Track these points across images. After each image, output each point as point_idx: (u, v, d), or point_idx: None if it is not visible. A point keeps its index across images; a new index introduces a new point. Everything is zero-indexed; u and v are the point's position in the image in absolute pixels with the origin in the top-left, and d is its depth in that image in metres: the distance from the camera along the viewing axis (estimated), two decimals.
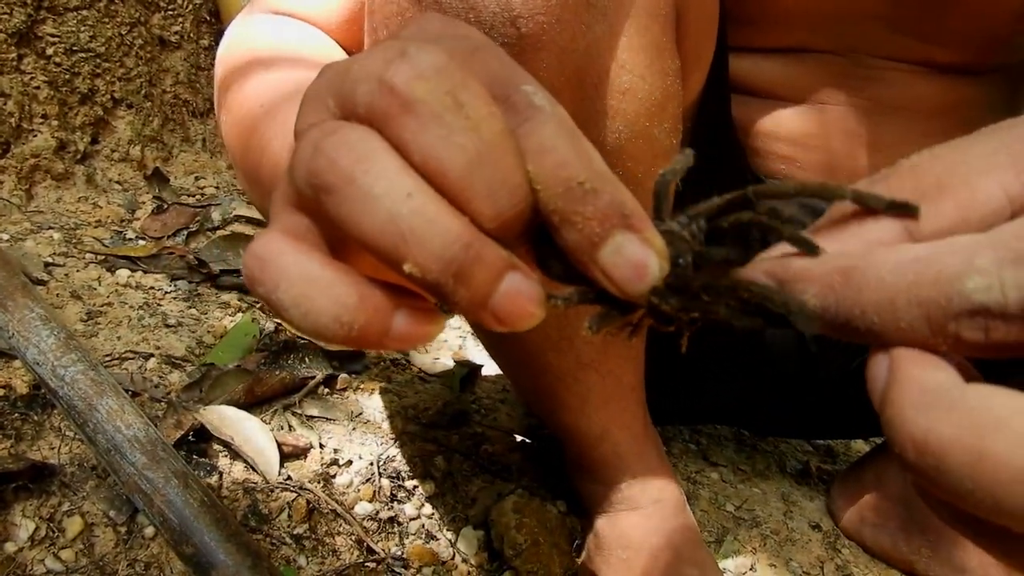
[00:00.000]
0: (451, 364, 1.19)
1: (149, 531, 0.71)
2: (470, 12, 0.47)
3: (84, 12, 1.32)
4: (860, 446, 1.26)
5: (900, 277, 0.23)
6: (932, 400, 0.22)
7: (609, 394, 0.72)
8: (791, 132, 0.81)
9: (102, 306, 1.02)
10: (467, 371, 1.13)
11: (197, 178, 1.52)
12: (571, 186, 0.26)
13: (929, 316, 0.22)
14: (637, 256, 0.26)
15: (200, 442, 0.82)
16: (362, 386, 1.02)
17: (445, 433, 0.98)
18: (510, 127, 0.27)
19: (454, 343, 1.30)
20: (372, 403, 0.99)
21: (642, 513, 0.78)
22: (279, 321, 1.11)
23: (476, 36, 0.30)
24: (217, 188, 1.51)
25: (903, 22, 0.74)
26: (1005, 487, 0.19)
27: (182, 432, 0.80)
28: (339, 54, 0.69)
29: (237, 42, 0.70)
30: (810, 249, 0.26)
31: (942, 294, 0.22)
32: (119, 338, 0.95)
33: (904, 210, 0.25)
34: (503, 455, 0.97)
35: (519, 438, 1.01)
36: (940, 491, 0.21)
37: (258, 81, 0.65)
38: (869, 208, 0.26)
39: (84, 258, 1.13)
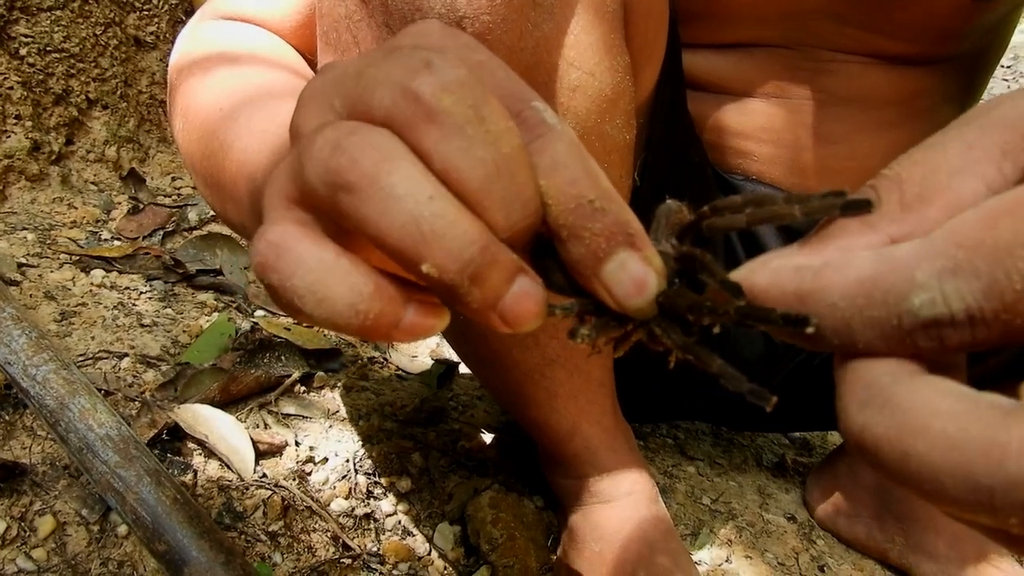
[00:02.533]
0: (429, 363, 1.19)
1: (122, 529, 0.71)
2: (416, 13, 0.47)
3: (58, 12, 1.31)
4: (836, 438, 1.27)
5: (850, 302, 0.23)
6: (869, 397, 0.23)
7: (577, 389, 0.72)
8: (746, 127, 0.82)
9: (76, 306, 1.01)
10: (445, 368, 1.14)
11: (174, 178, 1.51)
12: (581, 203, 0.27)
13: (884, 335, 0.23)
14: (638, 273, 0.28)
15: (174, 441, 0.82)
16: (339, 384, 1.02)
17: (422, 430, 0.98)
18: (524, 143, 0.28)
19: (431, 341, 1.30)
20: (349, 401, 0.99)
21: (615, 506, 0.78)
22: (255, 320, 1.11)
23: (477, 47, 0.30)
24: (194, 188, 1.51)
25: (851, 15, 0.75)
26: (929, 483, 0.21)
27: (156, 431, 0.80)
28: (294, 57, 0.69)
29: (190, 48, 0.70)
30: (735, 294, 0.26)
31: (892, 315, 0.22)
32: (93, 338, 0.95)
33: (858, 208, 0.25)
34: (480, 451, 0.97)
35: (496, 434, 1.01)
36: (892, 482, 0.22)
37: (214, 85, 0.64)
38: (828, 217, 0.26)
39: (59, 259, 1.13)
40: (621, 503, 0.78)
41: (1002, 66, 4.02)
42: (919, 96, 0.81)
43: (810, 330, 0.24)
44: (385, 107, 0.27)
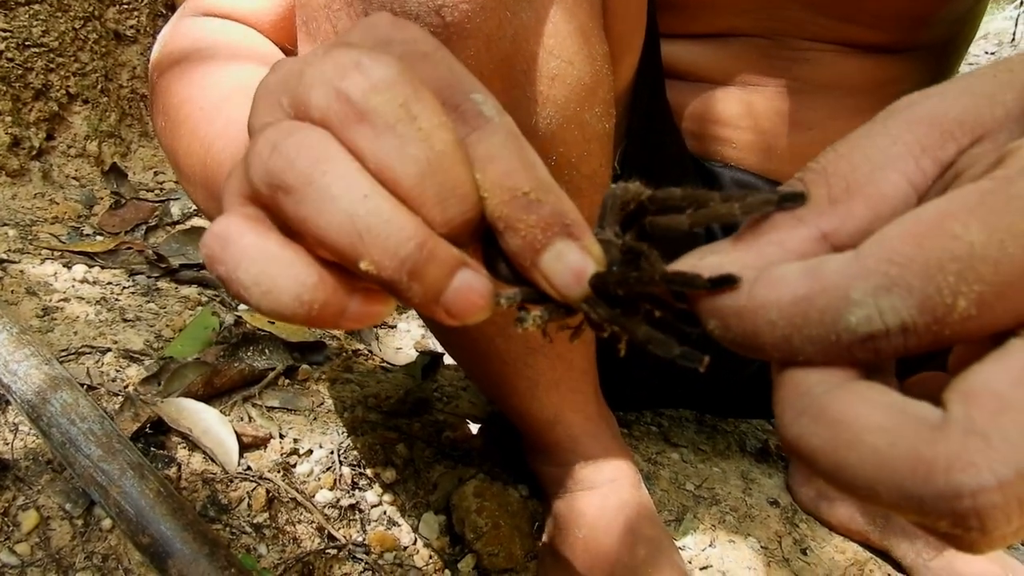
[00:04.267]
0: (414, 354, 1.19)
1: (106, 523, 0.71)
2: (395, 2, 0.47)
3: (36, 7, 1.30)
4: None
5: (788, 321, 0.24)
6: (803, 407, 0.24)
7: (559, 378, 0.73)
8: (724, 114, 0.82)
9: (58, 302, 1.01)
10: (429, 359, 1.14)
11: (156, 173, 1.51)
12: (516, 195, 0.28)
13: (824, 350, 0.24)
14: (576, 263, 0.28)
15: (158, 434, 0.82)
16: (323, 377, 1.02)
17: (407, 421, 0.98)
18: (460, 136, 0.28)
19: (416, 333, 1.31)
20: (333, 393, 0.99)
21: (598, 493, 0.79)
22: (239, 314, 1.11)
23: (424, 40, 0.30)
24: (176, 183, 1.50)
25: (825, 4, 0.76)
26: (863, 491, 0.22)
27: (139, 425, 0.80)
28: (274, 52, 0.69)
29: (171, 44, 0.70)
30: (676, 286, 0.27)
31: (830, 332, 0.23)
32: (76, 333, 0.95)
33: (792, 202, 0.26)
34: (465, 441, 0.98)
35: (481, 424, 1.02)
36: (825, 482, 0.23)
37: (195, 83, 0.64)
38: (764, 213, 0.27)
39: (40, 255, 1.12)
40: (604, 490, 0.79)
41: (986, 52, 4.04)
42: (892, 83, 0.82)
43: (735, 286, 0.25)
44: (321, 108, 0.28)
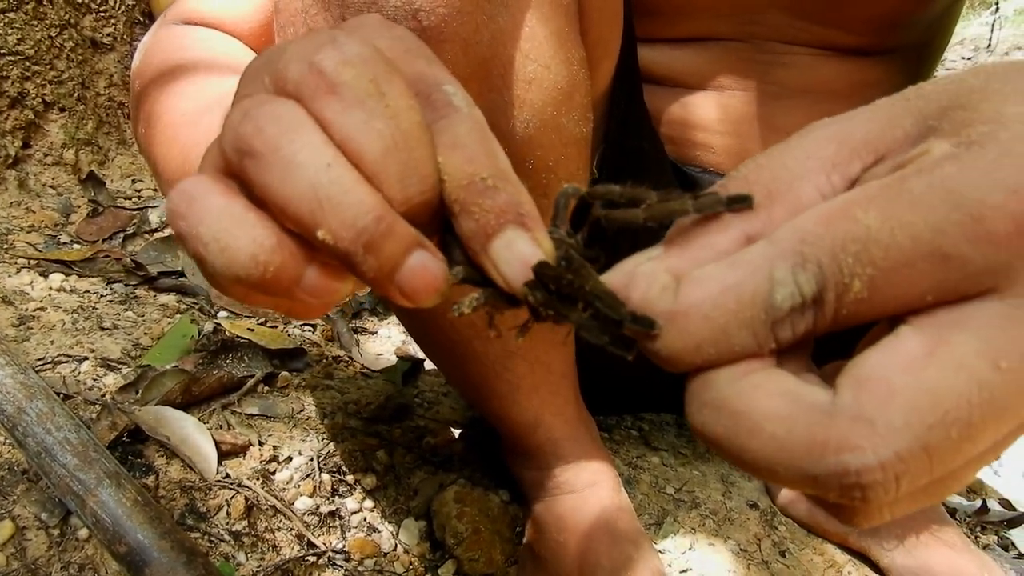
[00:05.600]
0: (395, 360, 1.19)
1: (83, 533, 0.71)
2: (372, 5, 0.47)
3: (11, 15, 1.30)
4: None
5: (722, 309, 0.25)
6: (707, 399, 0.26)
7: (538, 381, 0.73)
8: (702, 119, 0.83)
9: (35, 311, 1.00)
10: (410, 365, 1.14)
11: (134, 181, 1.50)
12: (474, 180, 0.28)
13: (755, 332, 0.25)
14: (525, 252, 0.28)
15: (136, 443, 0.81)
16: (303, 384, 1.02)
17: (387, 427, 0.98)
18: (427, 122, 0.29)
19: (397, 339, 1.31)
20: (313, 400, 0.99)
21: (578, 496, 0.79)
22: (218, 322, 1.10)
23: (410, 38, 0.31)
24: (155, 191, 1.49)
25: (802, 8, 0.77)
26: (763, 472, 0.24)
27: (116, 433, 0.80)
28: None
29: (152, 53, 0.70)
30: (613, 306, 0.27)
31: (760, 311, 0.25)
32: (52, 342, 0.94)
33: (740, 203, 0.27)
34: (445, 446, 0.98)
35: (462, 429, 1.02)
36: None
37: (177, 92, 0.65)
38: (713, 213, 0.28)
39: (16, 263, 1.12)
40: (584, 493, 0.79)
41: (963, 58, 4.08)
42: (868, 87, 0.83)
43: (655, 332, 0.26)
44: (295, 80, 0.28)
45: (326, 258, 0.29)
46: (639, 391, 1.10)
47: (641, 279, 0.27)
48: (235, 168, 0.29)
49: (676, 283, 0.26)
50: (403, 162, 0.28)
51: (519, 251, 0.28)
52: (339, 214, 0.27)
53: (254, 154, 0.27)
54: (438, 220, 0.30)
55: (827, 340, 0.26)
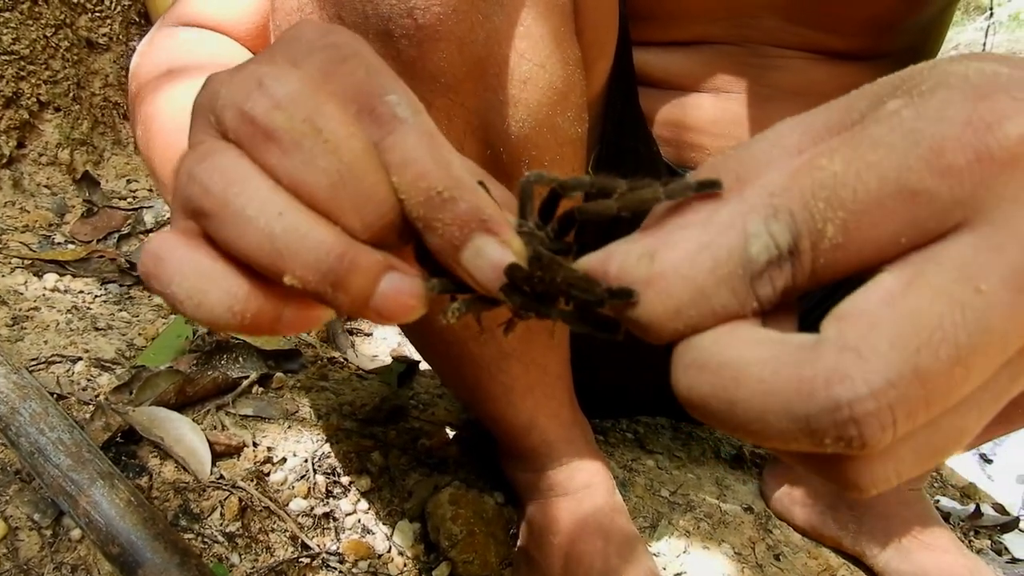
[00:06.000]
0: (390, 362, 1.19)
1: (75, 533, 0.70)
2: (368, 4, 0.47)
3: (6, 14, 1.29)
4: None
5: (700, 267, 0.25)
6: (691, 360, 0.25)
7: (533, 383, 0.73)
8: (697, 121, 0.83)
9: (28, 311, 1.00)
10: (405, 367, 1.14)
11: (129, 181, 1.50)
12: (431, 195, 0.28)
13: (734, 289, 0.25)
14: (496, 257, 0.28)
15: (129, 443, 0.81)
16: (298, 385, 1.02)
17: (382, 429, 0.98)
18: (373, 141, 0.28)
19: (393, 340, 1.30)
20: (308, 401, 0.99)
21: (572, 498, 0.79)
22: None
23: (347, 44, 0.31)
24: (150, 191, 1.49)
25: (796, 12, 0.77)
26: (756, 424, 0.23)
27: (110, 434, 0.79)
28: None
29: (150, 55, 0.70)
30: (588, 287, 0.27)
31: (737, 266, 0.25)
32: (46, 342, 0.94)
33: (710, 187, 0.27)
34: (440, 448, 0.98)
35: (456, 431, 1.02)
36: (722, 430, 0.25)
37: (172, 94, 0.65)
38: (685, 200, 0.28)
39: (10, 263, 1.11)
40: (578, 496, 0.79)
41: None
42: None
43: (634, 300, 0.26)
44: (232, 128, 0.28)
45: (300, 297, 0.29)
46: (635, 394, 1.10)
47: (618, 253, 0.27)
48: (195, 226, 0.28)
49: (653, 254, 0.26)
50: (355, 192, 0.28)
51: (489, 257, 0.28)
52: (300, 259, 0.27)
53: (206, 213, 0.27)
54: (408, 231, 0.30)
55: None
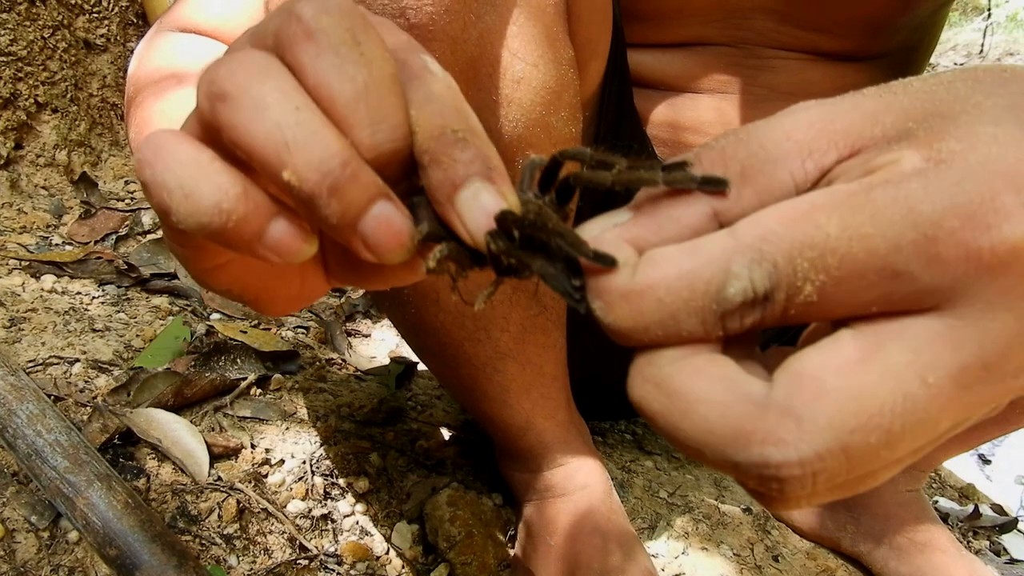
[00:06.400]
0: (388, 363, 1.19)
1: (73, 535, 0.70)
2: (360, 2, 0.47)
3: (4, 15, 1.29)
4: None
5: (676, 295, 0.26)
6: (649, 375, 0.26)
7: (530, 383, 0.73)
8: (692, 122, 0.83)
9: (26, 312, 1.00)
10: (403, 368, 1.14)
11: (127, 182, 1.49)
12: (445, 132, 0.29)
13: (704, 321, 0.26)
14: (490, 204, 0.28)
15: (127, 445, 0.81)
16: (296, 386, 1.02)
17: (380, 430, 0.98)
18: (401, 78, 0.29)
19: (391, 342, 1.30)
20: (306, 403, 0.99)
21: (569, 499, 0.79)
22: (211, 324, 1.10)
23: (387, 20, 0.32)
24: None
25: (791, 14, 0.77)
26: (692, 452, 0.25)
27: (108, 435, 0.79)
28: None
29: (146, 60, 0.70)
30: (579, 249, 0.27)
31: (712, 302, 0.25)
32: (43, 344, 0.94)
33: (715, 186, 0.27)
34: (438, 450, 0.98)
35: (455, 433, 1.02)
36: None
37: (167, 100, 0.65)
38: (684, 189, 0.28)
39: (8, 264, 1.11)
40: (575, 496, 0.79)
41: (955, 64, 4.10)
42: (854, 91, 0.83)
43: (615, 270, 0.26)
44: (273, 31, 0.29)
45: (291, 215, 0.29)
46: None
47: (603, 249, 0.27)
48: (207, 117, 0.29)
49: (636, 258, 0.27)
50: (374, 109, 0.28)
51: (484, 202, 0.28)
52: (305, 156, 0.27)
53: (225, 97, 0.28)
54: (406, 180, 0.30)
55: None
